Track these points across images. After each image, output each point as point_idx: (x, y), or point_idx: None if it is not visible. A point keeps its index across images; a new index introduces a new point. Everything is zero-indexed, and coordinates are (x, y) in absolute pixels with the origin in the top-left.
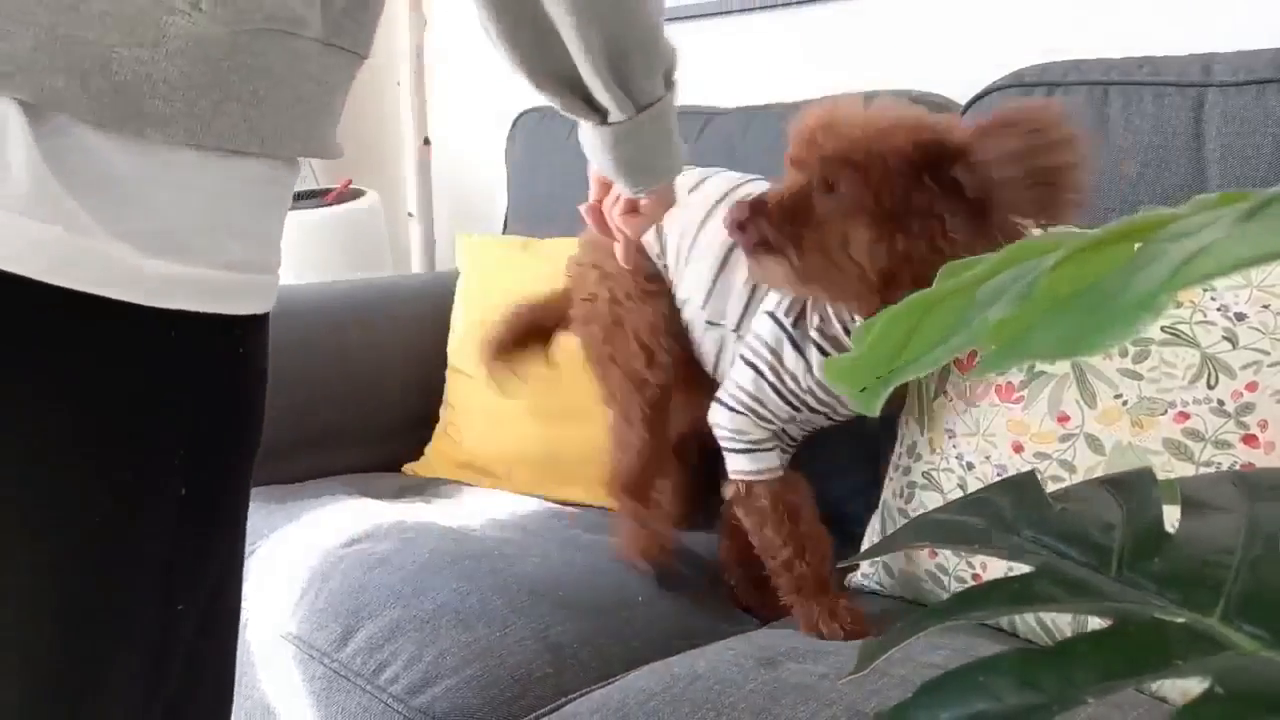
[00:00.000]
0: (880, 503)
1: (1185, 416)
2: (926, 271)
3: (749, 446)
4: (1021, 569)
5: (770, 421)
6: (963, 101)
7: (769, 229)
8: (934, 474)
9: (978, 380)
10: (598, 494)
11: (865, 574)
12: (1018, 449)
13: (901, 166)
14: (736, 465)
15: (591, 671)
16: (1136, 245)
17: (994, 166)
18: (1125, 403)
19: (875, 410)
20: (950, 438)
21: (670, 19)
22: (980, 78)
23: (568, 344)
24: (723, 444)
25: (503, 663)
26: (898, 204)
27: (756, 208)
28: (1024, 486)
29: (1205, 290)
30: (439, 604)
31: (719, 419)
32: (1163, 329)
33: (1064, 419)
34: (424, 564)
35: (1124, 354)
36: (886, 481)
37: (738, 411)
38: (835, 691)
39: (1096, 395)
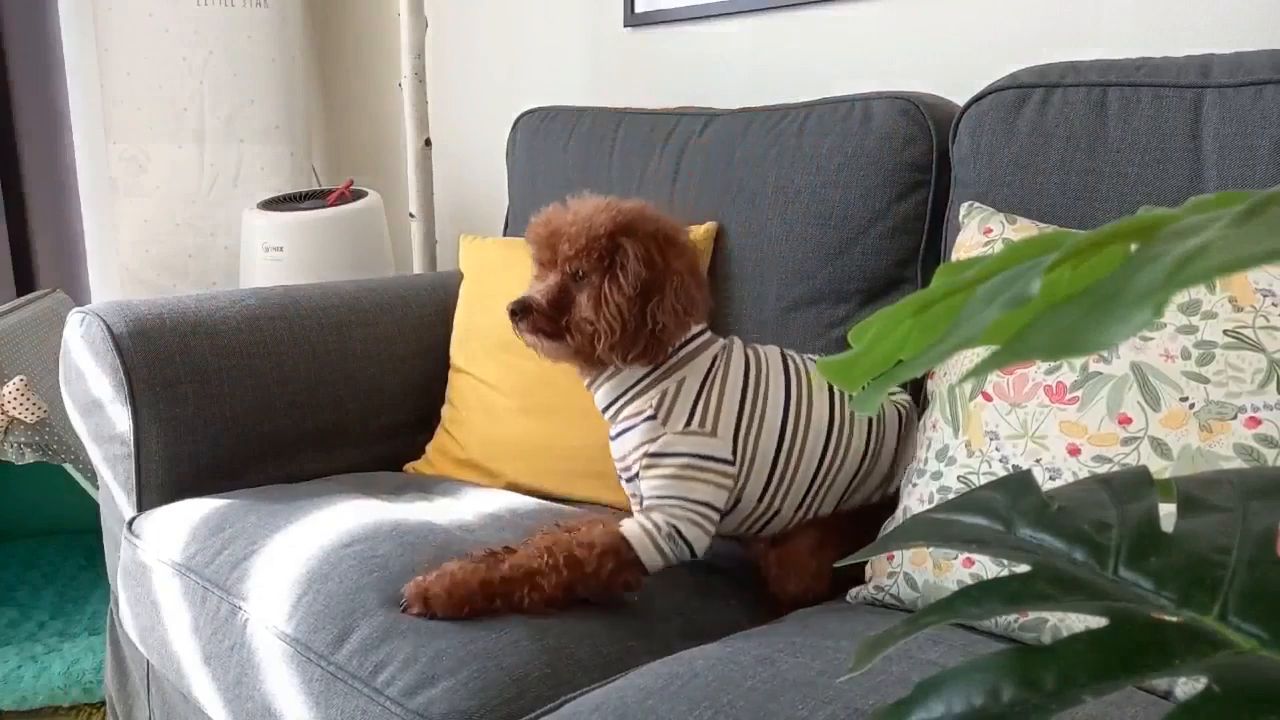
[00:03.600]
0: (901, 511)
1: (1257, 422)
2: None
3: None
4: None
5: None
6: (961, 102)
7: (545, 321)
8: (972, 478)
9: (1021, 380)
10: (598, 492)
11: (880, 586)
12: (1074, 451)
13: (602, 249)
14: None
15: (590, 671)
16: (1134, 245)
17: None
18: (1192, 406)
19: (874, 409)
20: (993, 440)
21: (671, 20)
22: (979, 79)
23: None
24: None
25: (500, 663)
26: (615, 269)
27: (526, 305)
28: (1021, 485)
29: (1265, 296)
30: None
31: None
32: (1225, 332)
33: (1125, 420)
34: (422, 569)
35: (1186, 356)
36: (908, 489)
37: None
38: (833, 689)
39: (1160, 398)
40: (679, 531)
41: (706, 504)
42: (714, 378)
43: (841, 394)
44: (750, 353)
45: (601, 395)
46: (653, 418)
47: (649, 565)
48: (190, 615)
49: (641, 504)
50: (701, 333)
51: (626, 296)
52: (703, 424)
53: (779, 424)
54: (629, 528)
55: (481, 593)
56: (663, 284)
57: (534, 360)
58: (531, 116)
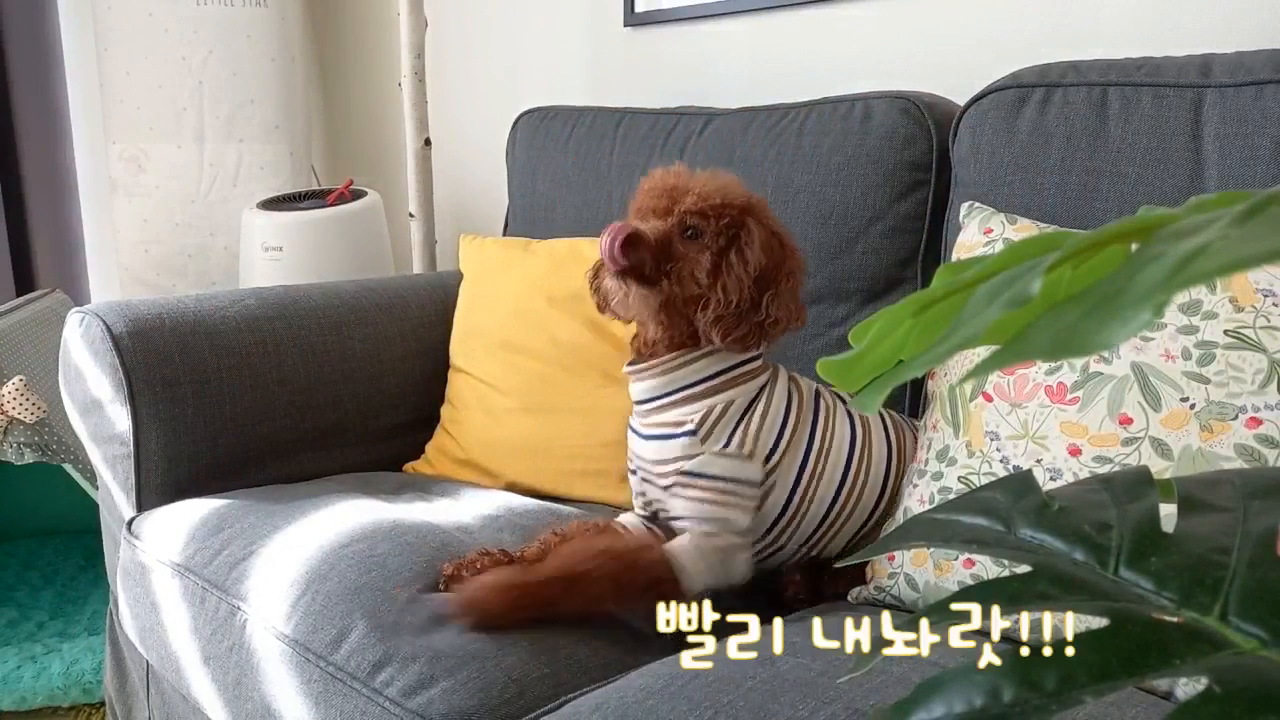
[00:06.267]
0: (901, 512)
1: (1258, 422)
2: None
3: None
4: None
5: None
6: (961, 102)
7: (649, 259)
8: (973, 479)
9: (1022, 380)
10: (597, 492)
11: (881, 587)
12: (1074, 452)
13: (732, 218)
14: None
15: (590, 671)
16: (1134, 245)
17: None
18: (1193, 406)
19: (874, 409)
20: (993, 440)
21: (671, 19)
22: (980, 78)
23: (566, 343)
24: None
25: (500, 663)
26: (724, 247)
27: (637, 237)
28: (1022, 485)
29: (1266, 296)
30: (435, 605)
31: None
32: (1226, 332)
33: (1126, 421)
34: (421, 571)
35: (1187, 356)
36: (909, 489)
37: None
38: (834, 689)
39: (1161, 398)
40: (722, 561)
41: (741, 529)
42: (758, 405)
43: (863, 441)
44: (793, 385)
45: (643, 387)
46: (693, 433)
47: (688, 594)
48: (189, 616)
49: (645, 504)
50: (758, 356)
51: (750, 273)
52: (741, 447)
53: (798, 461)
54: (680, 556)
55: (534, 593)
56: (778, 280)
57: (534, 359)
58: (531, 116)
